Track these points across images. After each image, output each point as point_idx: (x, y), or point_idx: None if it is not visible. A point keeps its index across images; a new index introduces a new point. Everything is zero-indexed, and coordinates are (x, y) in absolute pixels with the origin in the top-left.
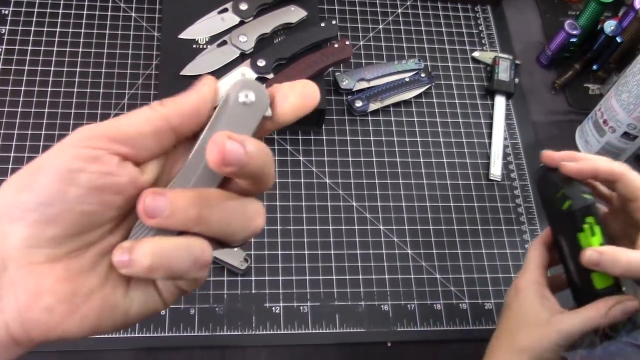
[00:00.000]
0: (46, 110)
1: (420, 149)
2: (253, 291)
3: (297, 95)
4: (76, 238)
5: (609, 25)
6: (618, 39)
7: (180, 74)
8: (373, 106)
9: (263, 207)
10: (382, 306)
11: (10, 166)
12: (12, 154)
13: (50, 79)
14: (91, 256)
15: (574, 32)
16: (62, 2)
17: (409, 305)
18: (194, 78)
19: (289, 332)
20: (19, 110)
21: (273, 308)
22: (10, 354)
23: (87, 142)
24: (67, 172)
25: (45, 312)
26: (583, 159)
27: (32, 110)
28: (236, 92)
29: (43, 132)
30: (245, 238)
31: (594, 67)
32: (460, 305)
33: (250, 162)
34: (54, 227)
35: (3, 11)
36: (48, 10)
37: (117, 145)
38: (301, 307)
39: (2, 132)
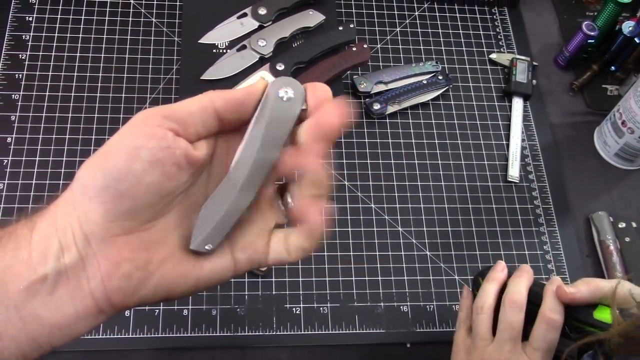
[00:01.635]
0: (70, 115)
1: (438, 151)
2: (274, 292)
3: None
4: (146, 210)
5: (627, 26)
6: (637, 40)
7: (201, 78)
8: (391, 109)
9: None
10: (402, 307)
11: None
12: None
13: (74, 84)
14: (161, 229)
15: (592, 33)
16: (84, 8)
17: (428, 307)
18: (215, 82)
19: (309, 332)
20: (43, 114)
21: (293, 309)
22: (96, 320)
23: (145, 121)
24: (132, 150)
25: (124, 279)
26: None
27: (56, 115)
28: (276, 90)
29: (67, 136)
30: None
31: (612, 68)
32: None
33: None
34: (127, 201)
35: (27, 18)
36: (71, 17)
37: (169, 121)
38: (321, 308)
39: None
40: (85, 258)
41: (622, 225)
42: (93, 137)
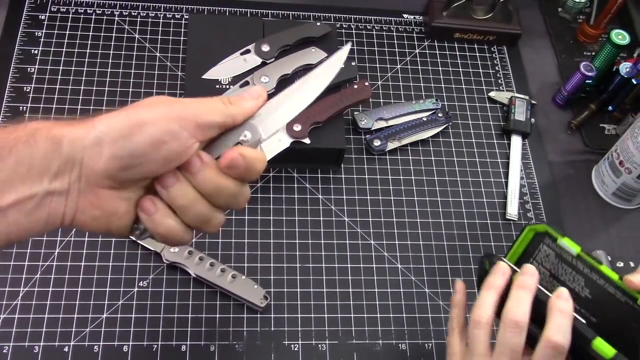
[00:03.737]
0: None
1: (437, 188)
2: (272, 328)
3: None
4: (134, 181)
5: (625, 67)
6: (634, 81)
7: None
8: (391, 145)
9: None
10: (400, 345)
11: None
12: None
13: (77, 117)
14: (132, 190)
15: (590, 74)
16: (89, 42)
17: (426, 345)
18: None
19: None
20: None
21: (292, 346)
22: (51, 228)
23: (181, 121)
24: (158, 142)
25: (91, 219)
26: None
27: None
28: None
29: None
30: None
31: (610, 107)
32: None
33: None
34: (128, 173)
35: (33, 50)
36: (76, 50)
37: (197, 129)
38: (320, 345)
39: None
40: (71, 190)
41: (620, 264)
42: None
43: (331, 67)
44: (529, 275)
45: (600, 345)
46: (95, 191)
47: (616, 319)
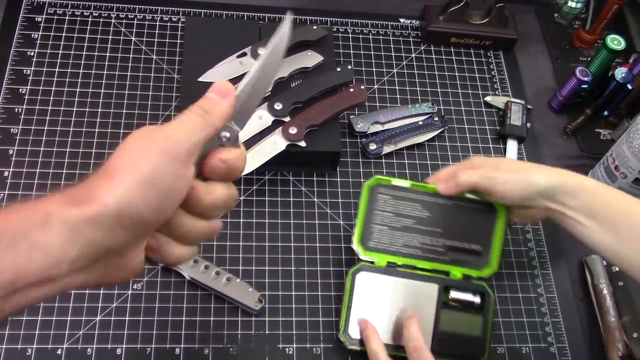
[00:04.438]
0: (68, 150)
1: None
2: (267, 332)
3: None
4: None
5: (620, 72)
6: (629, 86)
7: None
8: (387, 149)
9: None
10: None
11: None
12: (34, 193)
13: (73, 119)
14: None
15: (585, 79)
16: (85, 44)
17: None
18: None
19: None
20: (41, 149)
21: (286, 349)
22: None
23: (176, 157)
24: (169, 190)
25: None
26: (450, 181)
27: (54, 149)
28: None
29: (64, 171)
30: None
31: (605, 112)
32: None
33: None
34: (148, 229)
35: (29, 52)
36: (72, 52)
37: (190, 157)
38: (314, 349)
39: (24, 170)
40: (96, 266)
41: (615, 269)
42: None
43: (280, 40)
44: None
45: None
46: (121, 253)
47: (457, 221)
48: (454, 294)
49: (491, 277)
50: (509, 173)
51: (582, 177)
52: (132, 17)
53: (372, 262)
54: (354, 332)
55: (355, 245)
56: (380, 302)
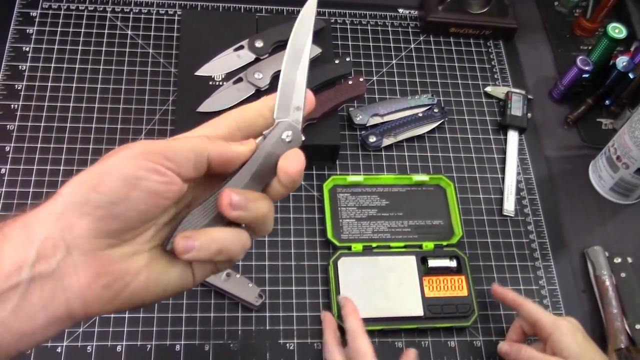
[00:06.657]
0: (65, 146)
1: None
2: (267, 327)
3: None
4: (131, 231)
5: (622, 61)
6: (630, 75)
7: (197, 110)
8: (386, 141)
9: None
10: (396, 343)
11: (29, 201)
12: (30, 189)
13: (70, 114)
14: (139, 243)
15: (586, 68)
16: (81, 39)
17: (423, 343)
18: (210, 115)
19: None
20: (38, 145)
21: (287, 345)
22: (65, 326)
23: (146, 156)
24: (132, 179)
25: (103, 289)
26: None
27: (51, 145)
28: (280, 131)
29: (61, 168)
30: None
31: (607, 102)
32: (475, 342)
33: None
34: (118, 222)
35: (24, 48)
36: (68, 47)
37: (169, 162)
38: (315, 344)
39: (21, 167)
40: (64, 269)
41: (617, 260)
42: None
43: (307, 15)
44: (350, 310)
45: None
46: (96, 257)
47: (414, 204)
48: (431, 263)
49: (491, 269)
50: None
51: None
52: (127, 10)
53: (349, 249)
54: None
55: (331, 239)
56: (365, 281)
